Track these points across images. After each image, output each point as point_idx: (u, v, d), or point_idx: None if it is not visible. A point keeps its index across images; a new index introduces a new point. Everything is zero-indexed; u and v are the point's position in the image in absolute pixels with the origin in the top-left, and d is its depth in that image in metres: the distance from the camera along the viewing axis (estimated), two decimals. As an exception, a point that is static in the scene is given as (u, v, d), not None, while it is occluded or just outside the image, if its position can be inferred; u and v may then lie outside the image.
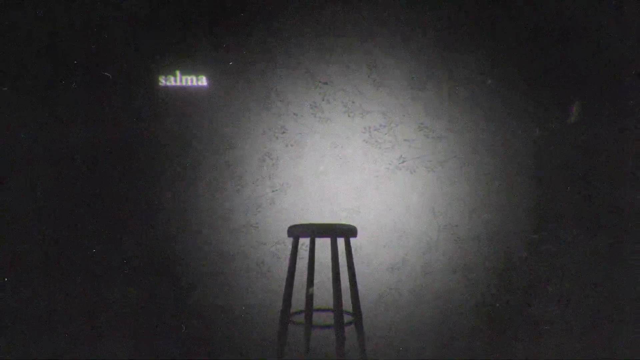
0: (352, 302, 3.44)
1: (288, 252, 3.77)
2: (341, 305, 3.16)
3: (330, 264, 3.58)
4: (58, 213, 3.16)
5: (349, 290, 3.63)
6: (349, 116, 3.81)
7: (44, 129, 3.07)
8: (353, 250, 3.85)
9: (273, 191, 3.80)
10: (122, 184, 3.27)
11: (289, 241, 3.79)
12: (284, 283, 3.41)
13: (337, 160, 3.82)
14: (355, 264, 3.76)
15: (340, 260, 3.66)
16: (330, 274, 3.61)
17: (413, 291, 3.77)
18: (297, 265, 3.65)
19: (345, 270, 3.59)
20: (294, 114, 3.82)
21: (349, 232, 3.36)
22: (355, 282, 3.40)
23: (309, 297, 3.42)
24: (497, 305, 3.67)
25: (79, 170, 3.16)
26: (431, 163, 3.88)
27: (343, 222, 3.79)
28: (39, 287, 3.02)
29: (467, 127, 3.79)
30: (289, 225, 3.54)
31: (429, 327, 3.66)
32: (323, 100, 3.80)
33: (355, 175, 3.84)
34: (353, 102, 3.80)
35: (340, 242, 3.74)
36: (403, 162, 3.85)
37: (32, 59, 3.01)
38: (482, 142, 3.79)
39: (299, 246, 3.81)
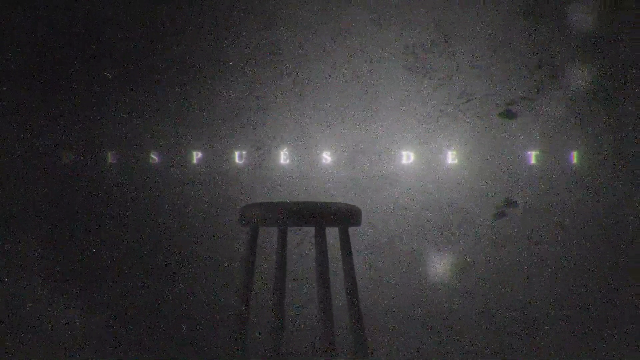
0: (354, 340, 2.34)
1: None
2: None
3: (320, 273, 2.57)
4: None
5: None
6: (380, 27, 3.47)
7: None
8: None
9: (257, 150, 3.49)
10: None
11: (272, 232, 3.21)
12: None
13: (361, 99, 3.51)
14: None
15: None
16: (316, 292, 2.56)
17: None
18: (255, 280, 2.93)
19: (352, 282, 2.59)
20: (293, 23, 3.52)
21: (345, 216, 2.32)
22: (358, 308, 2.37)
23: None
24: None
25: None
26: (515, 103, 3.47)
27: (372, 196, 3.46)
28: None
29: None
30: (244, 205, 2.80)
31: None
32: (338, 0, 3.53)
33: (390, 122, 3.50)
34: (387, 5, 3.49)
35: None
36: (468, 101, 3.47)
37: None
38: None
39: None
